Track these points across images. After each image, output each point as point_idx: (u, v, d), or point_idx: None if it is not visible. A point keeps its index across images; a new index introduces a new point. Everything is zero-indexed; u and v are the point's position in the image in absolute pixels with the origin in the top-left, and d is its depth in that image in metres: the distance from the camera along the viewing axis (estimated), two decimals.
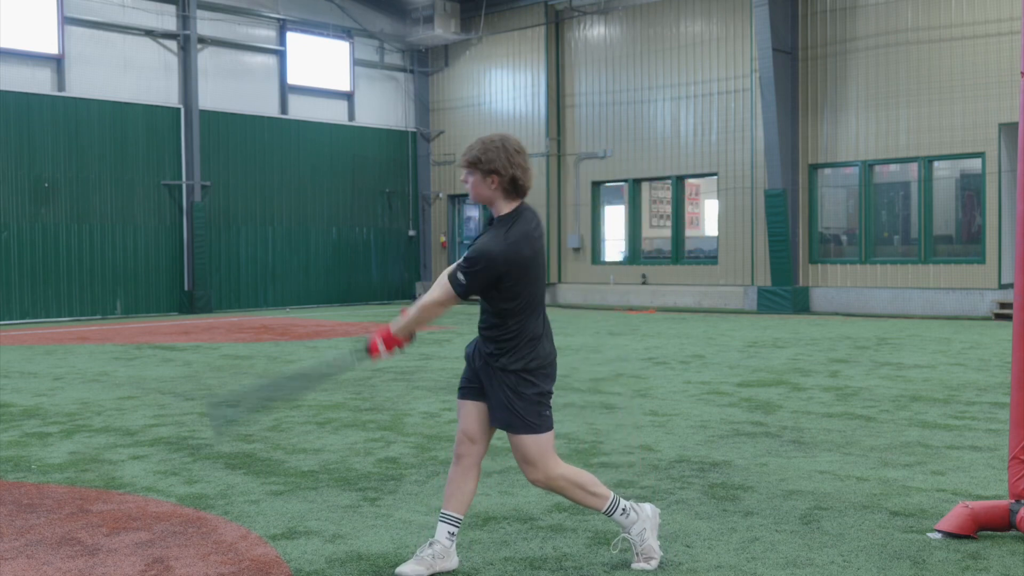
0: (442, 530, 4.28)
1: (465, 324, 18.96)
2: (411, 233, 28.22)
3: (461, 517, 4.30)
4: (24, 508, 5.44)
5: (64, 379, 11.12)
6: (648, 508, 4.40)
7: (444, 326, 18.51)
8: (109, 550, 4.66)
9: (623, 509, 4.34)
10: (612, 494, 4.36)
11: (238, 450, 6.97)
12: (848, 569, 4.30)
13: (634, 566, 4.32)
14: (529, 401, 4.17)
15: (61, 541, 4.80)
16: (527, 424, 4.17)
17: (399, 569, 4.24)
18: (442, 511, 4.31)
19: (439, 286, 4.17)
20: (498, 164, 4.09)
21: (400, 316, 4.25)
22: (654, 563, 4.31)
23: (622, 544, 4.46)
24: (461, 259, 4.17)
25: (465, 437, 4.29)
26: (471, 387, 4.32)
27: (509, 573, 4.30)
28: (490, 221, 4.23)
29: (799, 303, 21.28)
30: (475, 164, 4.11)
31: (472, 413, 4.30)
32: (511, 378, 4.17)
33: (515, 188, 4.14)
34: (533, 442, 4.19)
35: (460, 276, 4.11)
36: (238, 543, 4.76)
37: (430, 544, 4.27)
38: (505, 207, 4.17)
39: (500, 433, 6.92)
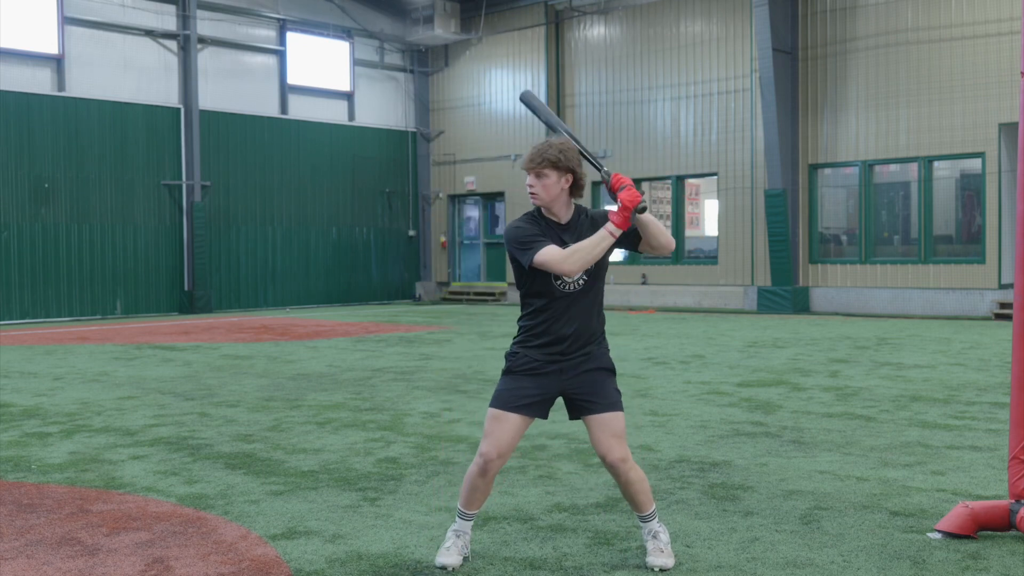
0: (466, 524, 4.46)
1: (465, 324, 18.95)
2: (411, 233, 28.23)
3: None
4: (24, 508, 5.44)
5: (64, 379, 11.12)
6: None
7: (444, 326, 18.50)
8: (109, 550, 4.66)
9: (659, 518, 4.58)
10: None
11: (238, 450, 6.97)
12: (848, 569, 4.30)
13: (657, 561, 4.35)
14: None
15: (61, 541, 4.80)
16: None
17: (441, 560, 4.35)
18: (465, 510, 4.44)
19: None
20: (574, 163, 4.32)
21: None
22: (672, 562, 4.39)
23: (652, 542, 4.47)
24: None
25: (498, 456, 4.32)
26: (534, 403, 4.34)
27: (509, 573, 4.30)
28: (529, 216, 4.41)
29: (799, 303, 21.28)
30: (556, 164, 4.27)
31: (518, 429, 4.34)
32: (610, 361, 4.44)
33: (578, 188, 4.37)
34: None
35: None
36: (238, 543, 4.76)
37: (457, 535, 4.42)
38: (568, 206, 4.38)
39: None
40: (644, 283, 24.08)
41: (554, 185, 4.28)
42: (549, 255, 4.18)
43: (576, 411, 4.40)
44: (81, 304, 22.04)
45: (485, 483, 4.37)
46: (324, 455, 6.77)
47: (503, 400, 4.33)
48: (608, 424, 4.32)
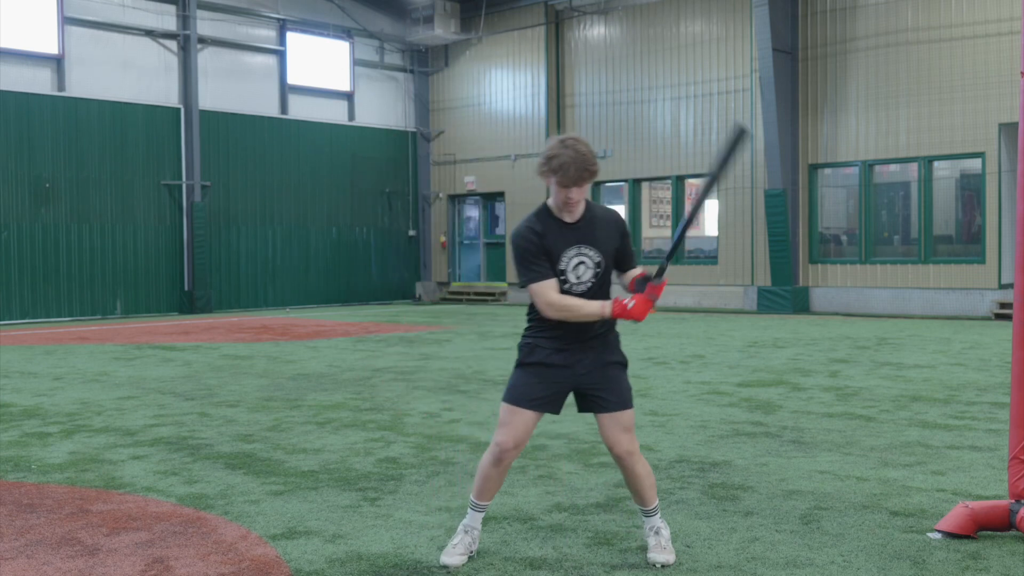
0: (476, 518, 4.47)
1: (465, 324, 18.94)
2: (411, 233, 28.22)
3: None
4: (24, 508, 5.44)
5: (64, 379, 11.12)
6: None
7: (444, 326, 18.50)
8: (109, 550, 4.66)
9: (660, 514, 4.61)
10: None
11: (238, 450, 6.97)
12: (848, 569, 4.30)
13: (659, 558, 4.40)
14: None
15: (61, 541, 4.80)
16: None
17: (444, 559, 4.36)
18: (478, 501, 4.45)
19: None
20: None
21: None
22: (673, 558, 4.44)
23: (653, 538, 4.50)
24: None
25: (514, 446, 4.37)
26: (546, 400, 4.38)
27: (509, 573, 4.30)
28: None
29: (799, 303, 21.28)
30: (595, 174, 4.28)
31: (532, 422, 4.39)
32: (621, 354, 4.51)
33: None
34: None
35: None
36: (238, 543, 4.76)
37: (465, 531, 4.45)
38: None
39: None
40: None
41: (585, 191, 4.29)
42: (541, 293, 4.27)
43: (587, 406, 4.45)
44: (81, 304, 22.04)
45: (499, 473, 4.41)
46: (324, 455, 6.77)
47: (516, 395, 4.38)
48: (619, 419, 4.40)
